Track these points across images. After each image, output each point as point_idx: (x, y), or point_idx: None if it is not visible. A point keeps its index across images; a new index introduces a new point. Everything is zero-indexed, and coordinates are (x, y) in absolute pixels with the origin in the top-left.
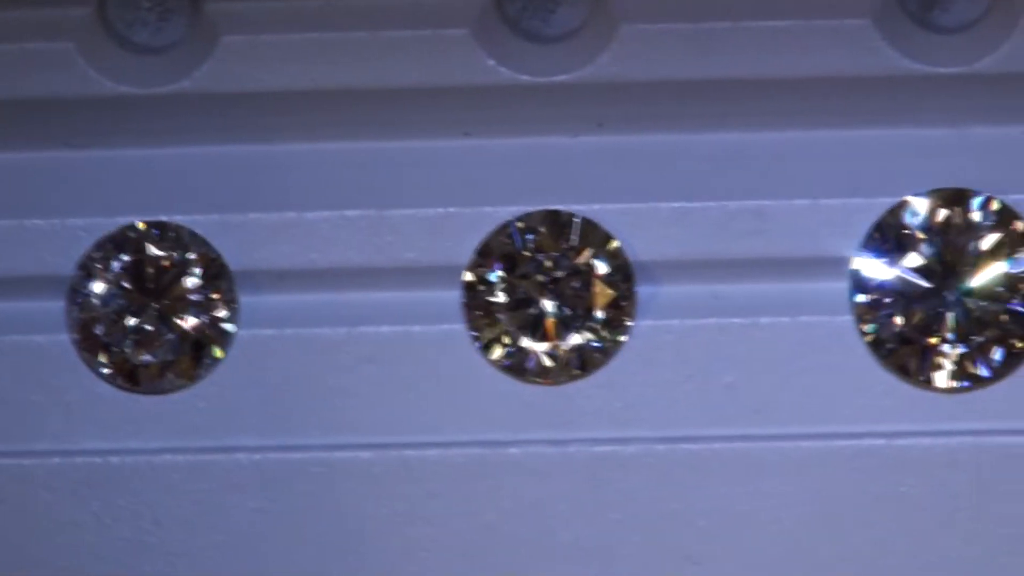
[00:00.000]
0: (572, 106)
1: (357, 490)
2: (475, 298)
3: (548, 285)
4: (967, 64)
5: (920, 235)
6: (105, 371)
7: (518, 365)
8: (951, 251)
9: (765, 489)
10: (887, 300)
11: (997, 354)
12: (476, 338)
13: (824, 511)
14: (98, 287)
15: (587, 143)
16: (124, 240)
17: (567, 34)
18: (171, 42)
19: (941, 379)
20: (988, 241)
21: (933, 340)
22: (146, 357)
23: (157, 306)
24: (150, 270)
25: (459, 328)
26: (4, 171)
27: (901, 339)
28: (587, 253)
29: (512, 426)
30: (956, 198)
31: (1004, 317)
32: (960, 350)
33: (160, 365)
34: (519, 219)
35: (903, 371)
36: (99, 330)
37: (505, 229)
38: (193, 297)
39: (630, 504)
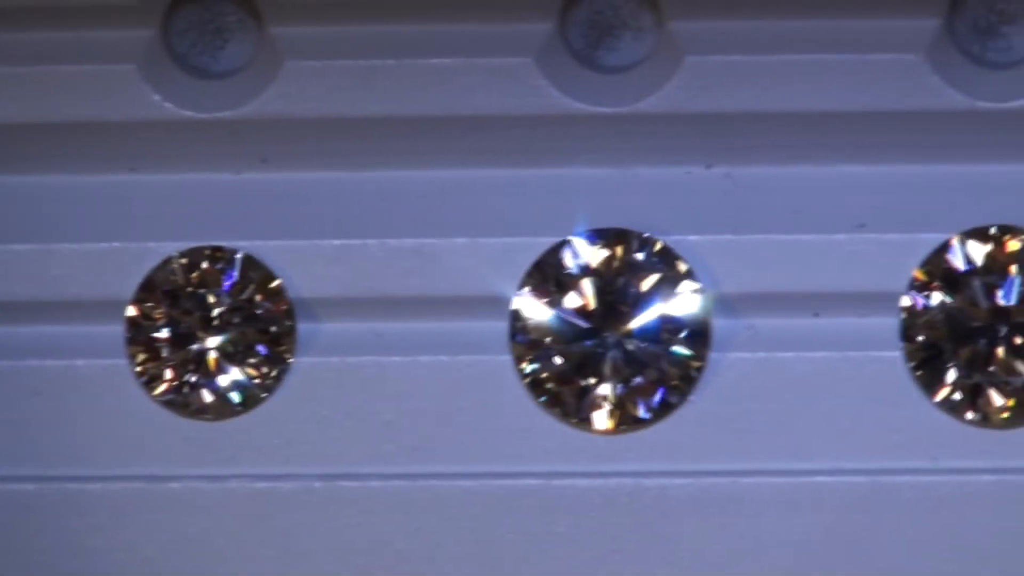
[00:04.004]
0: (236, 142)
1: (19, 522)
2: (138, 333)
3: (210, 321)
4: (630, 104)
5: (580, 275)
6: None
7: (179, 400)
8: (611, 292)
9: (422, 527)
10: (546, 340)
11: (656, 396)
12: (138, 373)
13: (480, 551)
14: None
15: (251, 179)
16: None
17: (234, 71)
18: None
19: (600, 420)
20: (648, 282)
21: (592, 381)
22: None
23: None
24: None
25: (122, 363)
26: None
27: (560, 379)
28: (249, 290)
29: (173, 461)
30: (617, 239)
31: (663, 359)
32: (619, 391)
33: None
34: (182, 254)
35: (562, 411)
36: None
37: (168, 264)
38: None
39: (290, 540)
